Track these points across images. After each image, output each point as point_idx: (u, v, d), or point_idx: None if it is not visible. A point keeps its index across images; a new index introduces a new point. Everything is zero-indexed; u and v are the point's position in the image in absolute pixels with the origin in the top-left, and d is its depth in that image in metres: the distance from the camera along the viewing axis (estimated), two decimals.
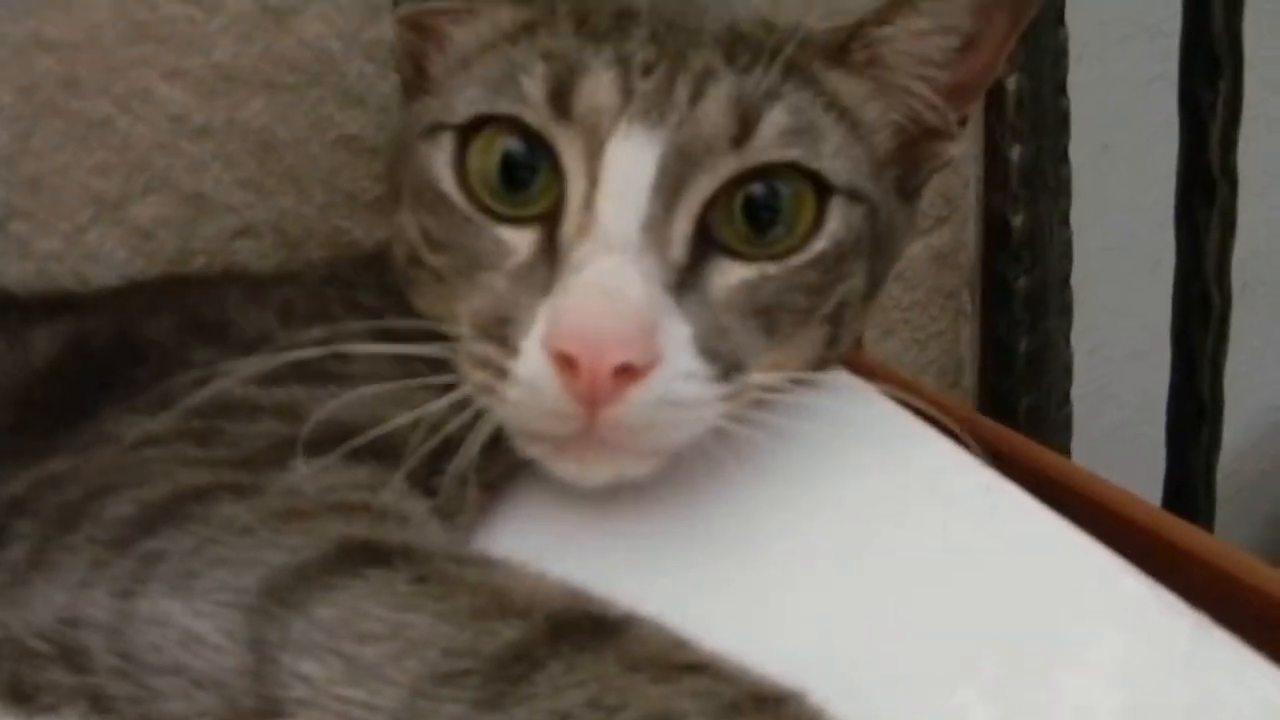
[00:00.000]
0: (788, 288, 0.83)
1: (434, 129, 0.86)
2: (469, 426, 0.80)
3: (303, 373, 0.80)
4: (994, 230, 1.54)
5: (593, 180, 0.79)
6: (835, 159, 0.84)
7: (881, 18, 0.88)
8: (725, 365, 0.79)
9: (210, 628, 0.61)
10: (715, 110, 0.81)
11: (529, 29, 0.86)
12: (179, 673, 0.61)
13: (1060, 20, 1.49)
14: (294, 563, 0.63)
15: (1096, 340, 1.84)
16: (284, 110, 1.11)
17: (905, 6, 0.88)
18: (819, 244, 0.84)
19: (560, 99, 0.81)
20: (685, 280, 0.80)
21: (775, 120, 0.82)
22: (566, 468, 0.81)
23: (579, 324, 0.75)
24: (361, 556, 0.64)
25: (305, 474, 0.72)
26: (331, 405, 0.77)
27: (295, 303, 0.90)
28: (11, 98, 1.01)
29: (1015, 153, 1.49)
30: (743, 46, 0.86)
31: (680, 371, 0.77)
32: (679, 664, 0.60)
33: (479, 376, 0.79)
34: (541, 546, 0.70)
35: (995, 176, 1.51)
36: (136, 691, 0.61)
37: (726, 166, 0.81)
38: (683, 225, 0.80)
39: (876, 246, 0.89)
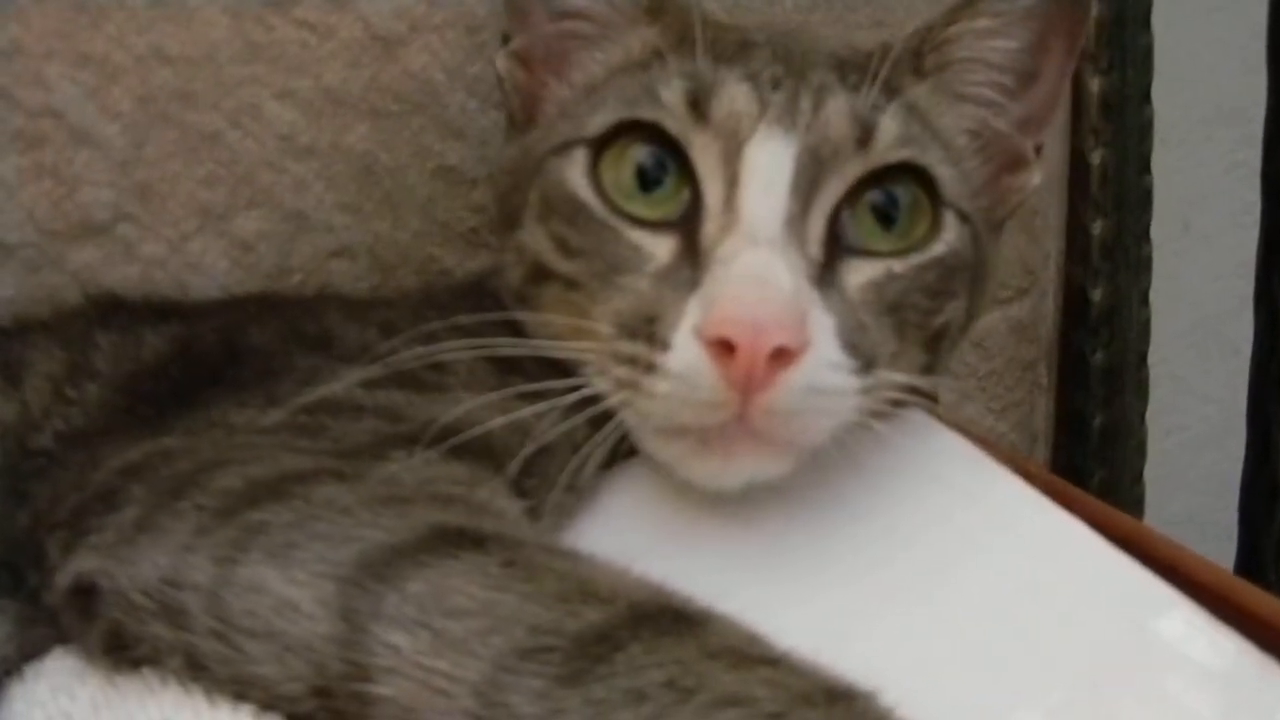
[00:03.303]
0: (911, 287, 0.87)
1: (566, 145, 0.91)
2: (568, 435, 0.82)
3: (404, 380, 0.84)
4: (1073, 304, 1.55)
5: (731, 181, 0.84)
6: (941, 167, 0.90)
7: (947, 19, 0.94)
8: (864, 359, 0.82)
9: (305, 596, 0.63)
10: (837, 117, 0.86)
11: (659, 55, 0.91)
12: (272, 637, 0.63)
13: (1147, 98, 1.50)
14: (390, 541, 0.66)
15: (1172, 423, 1.84)
16: (387, 137, 1.14)
17: (967, 7, 0.94)
18: (938, 247, 0.88)
19: (698, 107, 0.86)
20: (823, 276, 0.83)
21: (888, 127, 0.87)
22: (707, 465, 0.83)
23: (736, 310, 0.77)
24: (455, 540, 0.66)
25: (405, 466, 0.75)
26: (432, 409, 0.80)
27: (395, 322, 0.92)
28: (130, 106, 1.04)
29: (1097, 227, 1.50)
30: (849, 68, 0.91)
31: (827, 360, 0.80)
32: (755, 656, 0.61)
33: (622, 373, 0.82)
34: (622, 551, 0.71)
35: (1076, 250, 1.52)
36: (229, 653, 0.64)
37: (853, 168, 0.86)
38: (817, 224, 0.84)
39: (976, 274, 0.93)
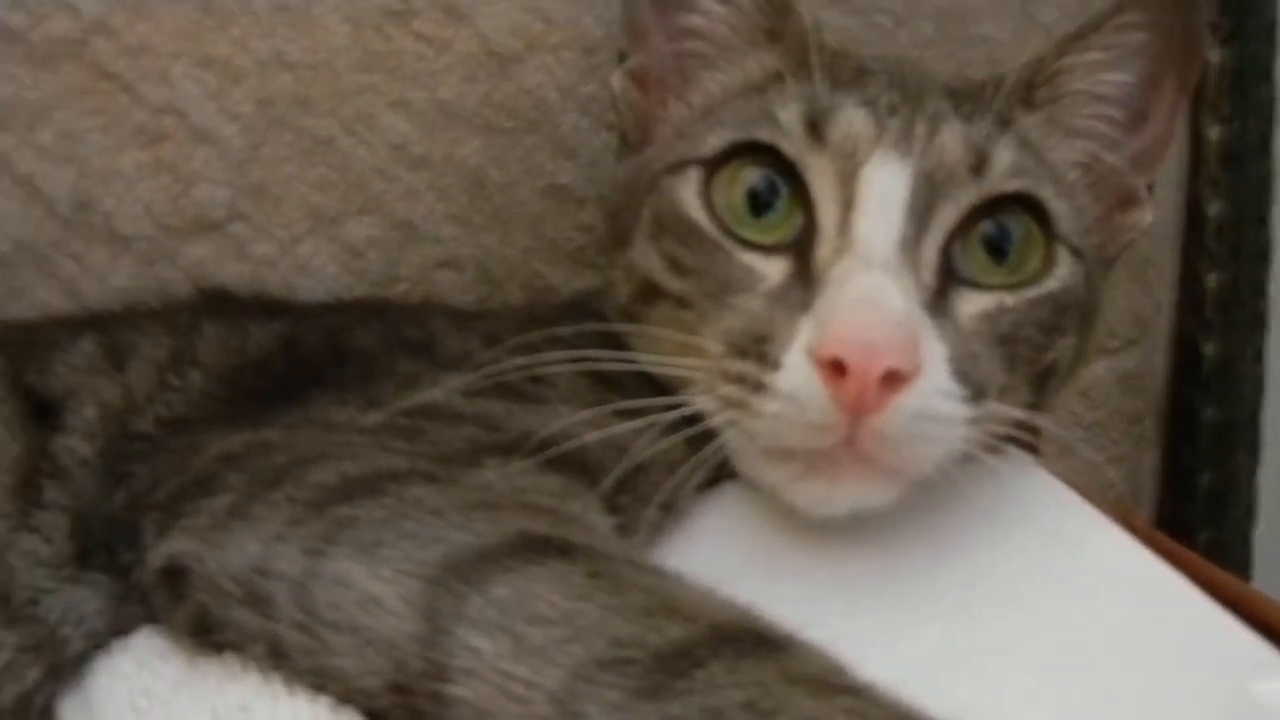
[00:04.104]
0: (1024, 321, 0.86)
1: (680, 165, 0.91)
2: (665, 454, 0.82)
3: (504, 391, 0.84)
4: (1184, 358, 1.51)
5: (846, 204, 0.84)
6: (1055, 200, 0.89)
7: (1058, 51, 0.94)
8: (974, 390, 0.81)
9: (390, 593, 0.64)
10: (952, 143, 0.86)
11: (778, 79, 0.91)
12: (354, 632, 0.64)
13: (1266, 149, 1.47)
14: (477, 544, 0.66)
15: None
16: (499, 153, 1.15)
17: (1079, 40, 0.93)
18: (1051, 282, 0.88)
19: (815, 129, 0.86)
20: (936, 304, 0.83)
21: (1003, 157, 0.87)
22: (812, 490, 0.82)
23: (849, 331, 0.77)
24: (542, 547, 0.66)
25: (499, 474, 0.75)
26: (530, 420, 0.80)
27: (499, 332, 0.93)
28: (249, 108, 1.06)
29: (1212, 280, 1.46)
30: (962, 98, 0.91)
31: (938, 387, 0.79)
32: (836, 684, 0.60)
33: (730, 391, 0.82)
34: (714, 573, 0.70)
35: (1189, 302, 1.49)
36: (312, 644, 0.65)
37: (967, 195, 0.85)
38: (931, 251, 0.84)
39: (1087, 311, 0.92)
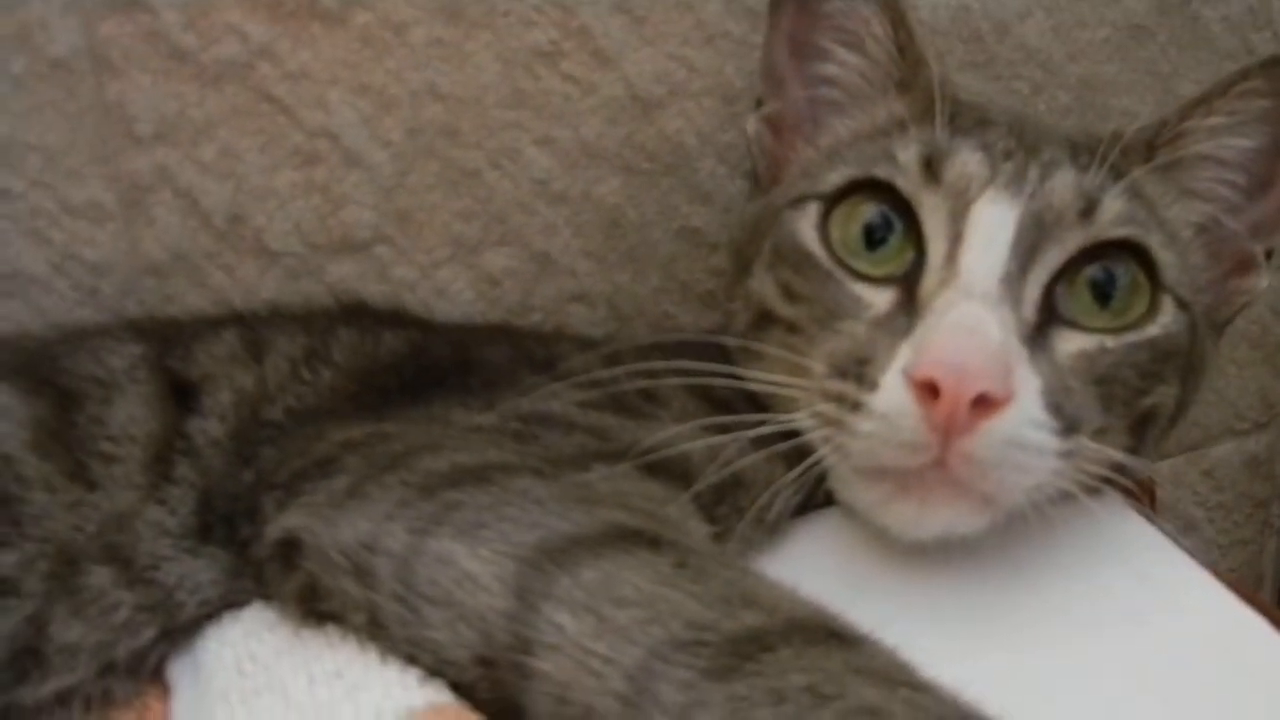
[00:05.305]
0: (1122, 363, 0.88)
1: (801, 200, 0.95)
2: (765, 471, 0.86)
3: (619, 406, 0.89)
4: None
5: (955, 239, 0.87)
6: (1163, 251, 0.90)
7: (1181, 114, 0.96)
8: (1066, 423, 0.83)
9: (486, 571, 0.68)
10: (1063, 189, 0.88)
11: (902, 125, 0.95)
12: (449, 606, 0.68)
13: None
14: (573, 532, 0.70)
15: None
16: (636, 193, 1.19)
17: (1202, 104, 0.95)
18: (1153, 329, 0.90)
19: (931, 169, 0.89)
20: (1034, 339, 0.85)
21: (1112, 205, 0.89)
22: (903, 511, 0.85)
23: (944, 355, 0.80)
24: (634, 538, 0.70)
25: (603, 476, 0.79)
26: (639, 433, 0.84)
27: (622, 358, 0.96)
28: (400, 136, 1.11)
29: None
30: (1080, 150, 0.93)
31: (1029, 416, 0.81)
32: (900, 679, 0.62)
33: (829, 409, 0.85)
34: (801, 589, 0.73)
35: None
36: (408, 615, 0.69)
37: (1074, 239, 0.88)
38: (1034, 289, 0.87)
39: (1190, 364, 0.93)
